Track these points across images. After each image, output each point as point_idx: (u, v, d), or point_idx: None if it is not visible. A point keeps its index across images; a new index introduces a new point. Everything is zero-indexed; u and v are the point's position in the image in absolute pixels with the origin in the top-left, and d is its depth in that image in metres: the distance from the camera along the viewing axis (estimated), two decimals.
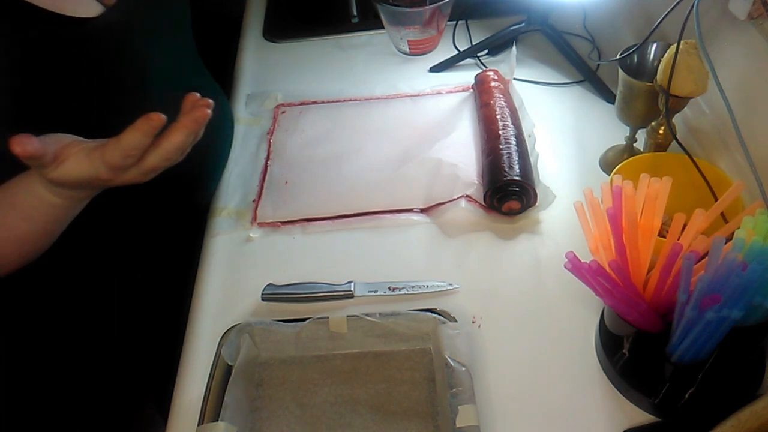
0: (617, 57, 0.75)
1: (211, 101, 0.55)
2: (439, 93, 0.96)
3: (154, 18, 0.71)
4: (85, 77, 0.62)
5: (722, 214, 0.56)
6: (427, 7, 0.97)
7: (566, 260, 0.52)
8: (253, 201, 0.81)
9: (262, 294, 0.69)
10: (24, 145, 0.50)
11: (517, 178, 0.73)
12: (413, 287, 0.69)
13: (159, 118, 0.51)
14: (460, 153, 0.83)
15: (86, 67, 0.62)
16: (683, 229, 0.53)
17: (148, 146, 0.53)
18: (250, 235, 0.77)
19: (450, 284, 0.69)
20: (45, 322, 0.76)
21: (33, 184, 0.56)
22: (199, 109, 0.54)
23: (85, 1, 0.63)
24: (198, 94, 0.56)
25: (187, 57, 0.81)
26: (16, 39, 0.56)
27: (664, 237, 0.54)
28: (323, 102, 0.96)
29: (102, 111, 0.64)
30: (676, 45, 0.65)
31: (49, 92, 0.60)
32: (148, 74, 0.69)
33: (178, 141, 0.54)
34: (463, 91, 0.95)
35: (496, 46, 1.01)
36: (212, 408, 0.57)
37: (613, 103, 0.80)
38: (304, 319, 0.63)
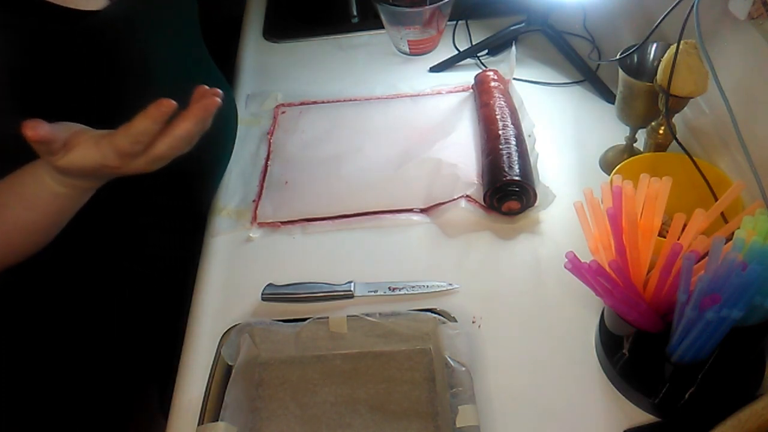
0: (617, 57, 0.75)
1: (220, 91, 0.56)
2: (439, 93, 0.96)
3: (158, 12, 0.70)
4: (89, 70, 0.62)
5: (722, 214, 0.56)
6: (427, 7, 0.97)
7: (566, 260, 0.52)
8: (253, 201, 0.81)
9: (262, 294, 0.69)
10: (35, 129, 0.50)
11: (516, 178, 0.73)
12: (413, 287, 0.69)
13: (170, 104, 0.51)
14: (460, 153, 0.83)
15: (90, 60, 0.62)
16: (683, 229, 0.53)
17: (157, 134, 0.54)
18: (250, 235, 0.77)
19: (450, 284, 0.69)
20: (46, 322, 0.76)
21: (40, 174, 0.57)
22: (208, 98, 0.55)
23: None
24: (207, 87, 0.57)
25: (194, 51, 0.80)
26: (19, 31, 0.56)
27: (664, 237, 0.54)
28: (323, 102, 0.96)
29: (105, 104, 0.64)
30: (676, 45, 0.65)
31: (51, 85, 0.60)
32: (152, 67, 0.69)
33: (187, 129, 0.55)
34: (463, 91, 0.95)
35: (496, 46, 1.01)
36: (212, 408, 0.57)
37: (613, 103, 0.80)
38: (304, 319, 0.63)
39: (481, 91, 0.89)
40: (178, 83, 0.71)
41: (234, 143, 0.88)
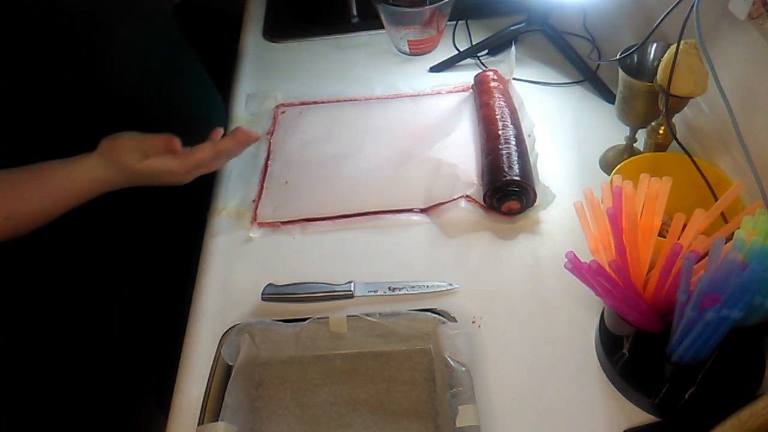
0: (617, 57, 0.75)
1: (258, 134, 0.73)
2: (439, 93, 0.96)
3: None
4: (47, 51, 0.63)
5: (722, 214, 0.56)
6: (427, 7, 0.97)
7: (566, 260, 0.52)
8: (253, 201, 0.81)
9: (262, 294, 0.69)
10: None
11: (516, 178, 0.73)
12: (413, 287, 0.69)
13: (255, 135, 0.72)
14: (460, 153, 0.83)
15: (48, 31, 0.63)
16: (683, 229, 0.53)
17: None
18: (250, 235, 0.77)
19: (450, 284, 0.69)
20: (46, 322, 0.76)
21: (82, 169, 0.64)
22: (249, 134, 0.71)
23: None
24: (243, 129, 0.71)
25: (165, 37, 0.80)
26: None
27: (664, 237, 0.54)
28: (323, 102, 0.96)
29: (64, 86, 0.65)
30: (676, 45, 0.65)
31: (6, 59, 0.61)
32: (114, 48, 0.69)
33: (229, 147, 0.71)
34: (463, 91, 0.95)
35: (496, 46, 1.01)
36: (212, 408, 0.57)
37: (613, 103, 0.80)
38: (304, 319, 0.63)
39: (480, 91, 0.89)
40: (145, 62, 0.71)
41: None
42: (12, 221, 0.62)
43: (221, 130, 0.71)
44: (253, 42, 1.11)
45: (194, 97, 0.84)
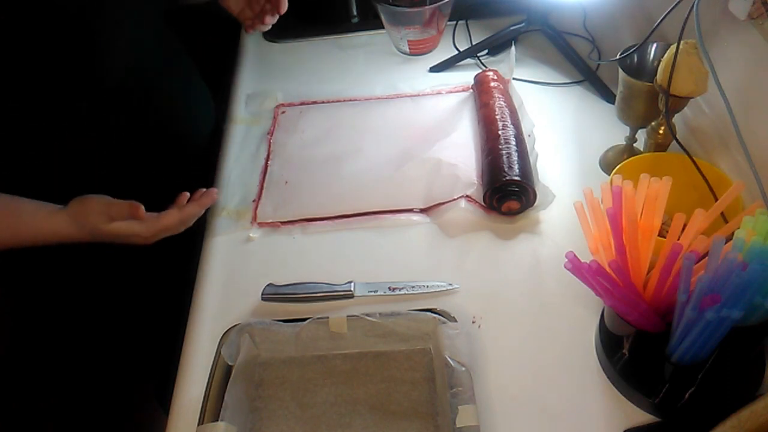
0: (617, 57, 0.75)
1: (215, 190, 0.73)
2: (439, 93, 0.96)
3: None
4: (35, 38, 0.63)
5: (722, 214, 0.56)
6: (427, 7, 0.97)
7: (566, 260, 0.52)
8: (253, 201, 0.81)
9: (262, 294, 0.69)
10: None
11: (516, 178, 0.73)
12: (413, 287, 0.69)
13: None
14: (460, 153, 0.83)
15: (38, 29, 0.63)
16: (683, 229, 0.53)
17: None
18: (250, 235, 0.77)
19: (450, 284, 0.69)
20: (47, 322, 0.76)
21: (58, 222, 0.65)
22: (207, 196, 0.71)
23: None
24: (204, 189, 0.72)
25: (156, 33, 0.80)
26: None
27: (664, 237, 0.54)
28: (323, 102, 0.96)
29: (51, 75, 0.65)
30: (676, 45, 0.65)
31: None
32: (104, 41, 0.70)
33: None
34: (463, 91, 0.95)
35: (496, 46, 1.01)
36: (212, 408, 0.57)
37: (613, 103, 0.80)
38: (304, 319, 0.63)
39: (480, 91, 0.89)
40: (135, 56, 0.72)
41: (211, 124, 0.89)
42: None
43: (187, 195, 0.71)
44: (253, 42, 1.11)
45: (183, 94, 0.84)
